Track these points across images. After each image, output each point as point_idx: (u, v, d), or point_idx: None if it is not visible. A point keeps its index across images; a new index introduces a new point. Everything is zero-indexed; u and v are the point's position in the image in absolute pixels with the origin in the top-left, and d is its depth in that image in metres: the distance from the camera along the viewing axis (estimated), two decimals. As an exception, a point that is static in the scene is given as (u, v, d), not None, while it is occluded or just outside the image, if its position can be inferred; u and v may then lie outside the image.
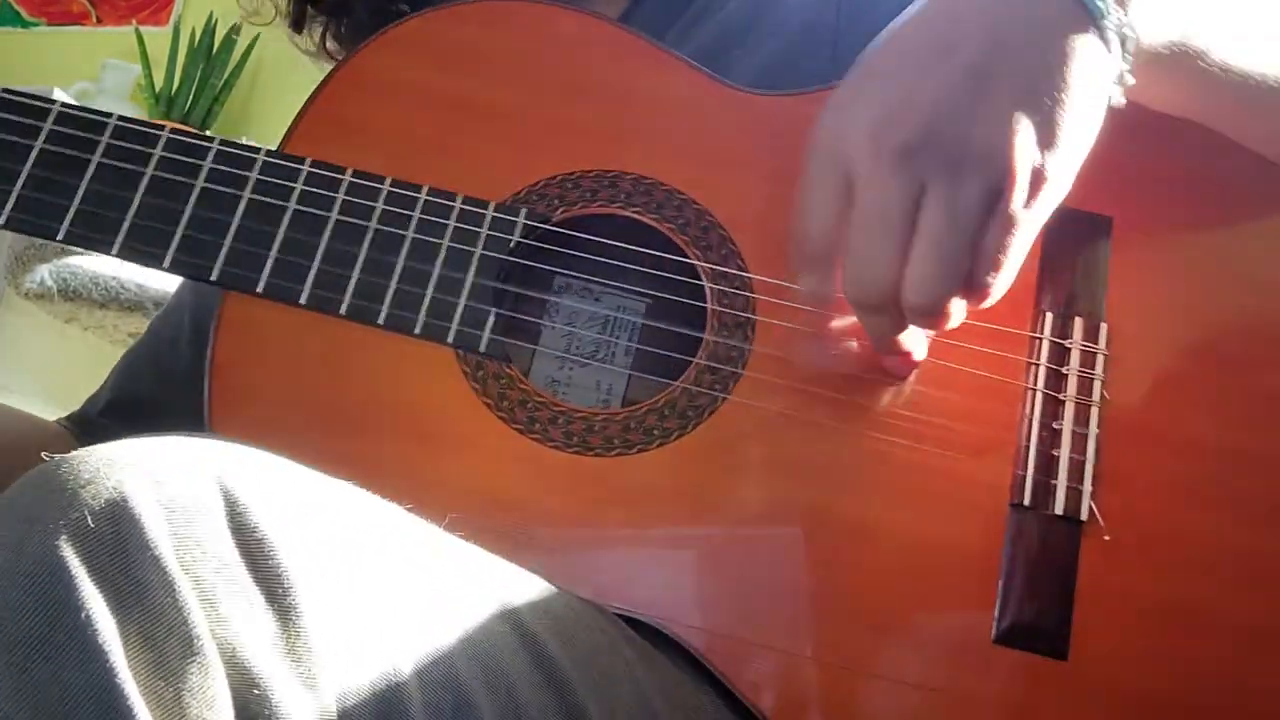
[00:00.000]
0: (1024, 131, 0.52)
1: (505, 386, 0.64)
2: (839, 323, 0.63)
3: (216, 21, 2.40)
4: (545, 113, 0.69)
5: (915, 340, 0.61)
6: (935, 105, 0.53)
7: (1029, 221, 0.54)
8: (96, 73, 2.47)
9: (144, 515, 0.40)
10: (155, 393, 0.87)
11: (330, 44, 0.93)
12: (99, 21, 2.72)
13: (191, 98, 2.36)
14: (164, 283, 1.79)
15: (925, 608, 0.62)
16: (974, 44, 0.53)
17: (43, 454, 0.45)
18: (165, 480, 0.41)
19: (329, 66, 0.93)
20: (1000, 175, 0.52)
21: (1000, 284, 0.55)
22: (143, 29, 2.51)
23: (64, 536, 0.38)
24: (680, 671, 0.61)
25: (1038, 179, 0.53)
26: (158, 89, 2.39)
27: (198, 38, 2.41)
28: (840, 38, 0.77)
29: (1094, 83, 0.54)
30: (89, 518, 0.39)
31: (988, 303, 0.56)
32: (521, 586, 0.55)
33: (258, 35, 2.36)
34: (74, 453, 0.42)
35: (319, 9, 0.92)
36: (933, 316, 0.55)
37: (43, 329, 1.90)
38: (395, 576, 0.49)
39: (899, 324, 0.58)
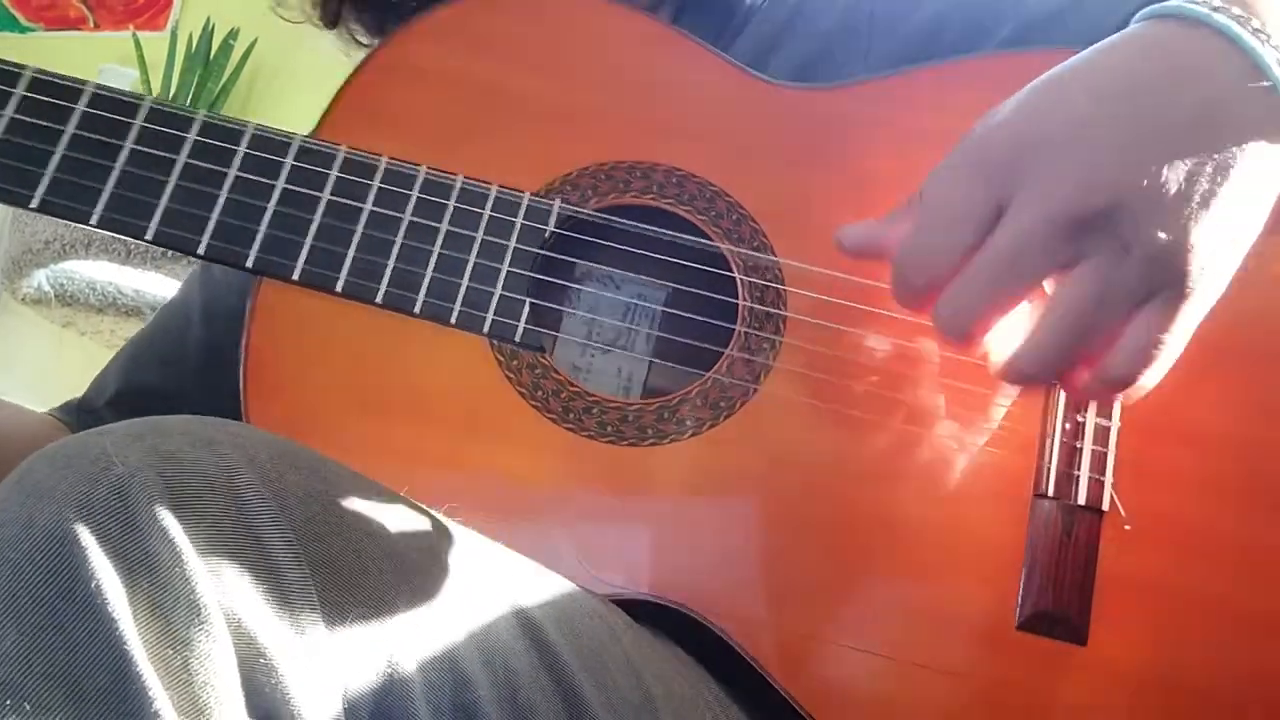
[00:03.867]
0: (1209, 242, 0.47)
1: (539, 376, 0.62)
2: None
3: (214, 26, 2.35)
4: (578, 103, 0.67)
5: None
6: (1135, 188, 0.47)
7: (1188, 331, 0.49)
8: (94, 77, 2.41)
9: (151, 488, 0.39)
10: (164, 383, 0.84)
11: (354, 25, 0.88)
12: (96, 26, 2.66)
13: (189, 103, 2.31)
14: (161, 288, 1.75)
15: (950, 594, 0.60)
16: (1184, 133, 0.47)
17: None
18: (171, 454, 0.41)
19: (344, 70, 0.90)
20: (1178, 281, 0.47)
21: (1151, 380, 0.49)
22: (140, 34, 2.45)
23: (73, 509, 0.38)
24: (678, 658, 0.59)
25: (1199, 285, 0.48)
26: (155, 94, 2.34)
27: (195, 43, 2.35)
28: (872, 44, 0.75)
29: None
30: (97, 491, 0.38)
31: (1135, 396, 0.50)
32: (521, 573, 0.54)
33: (255, 40, 2.31)
34: (81, 432, 0.42)
35: None
36: (1033, 385, 0.51)
37: (40, 333, 1.84)
38: (396, 558, 0.47)
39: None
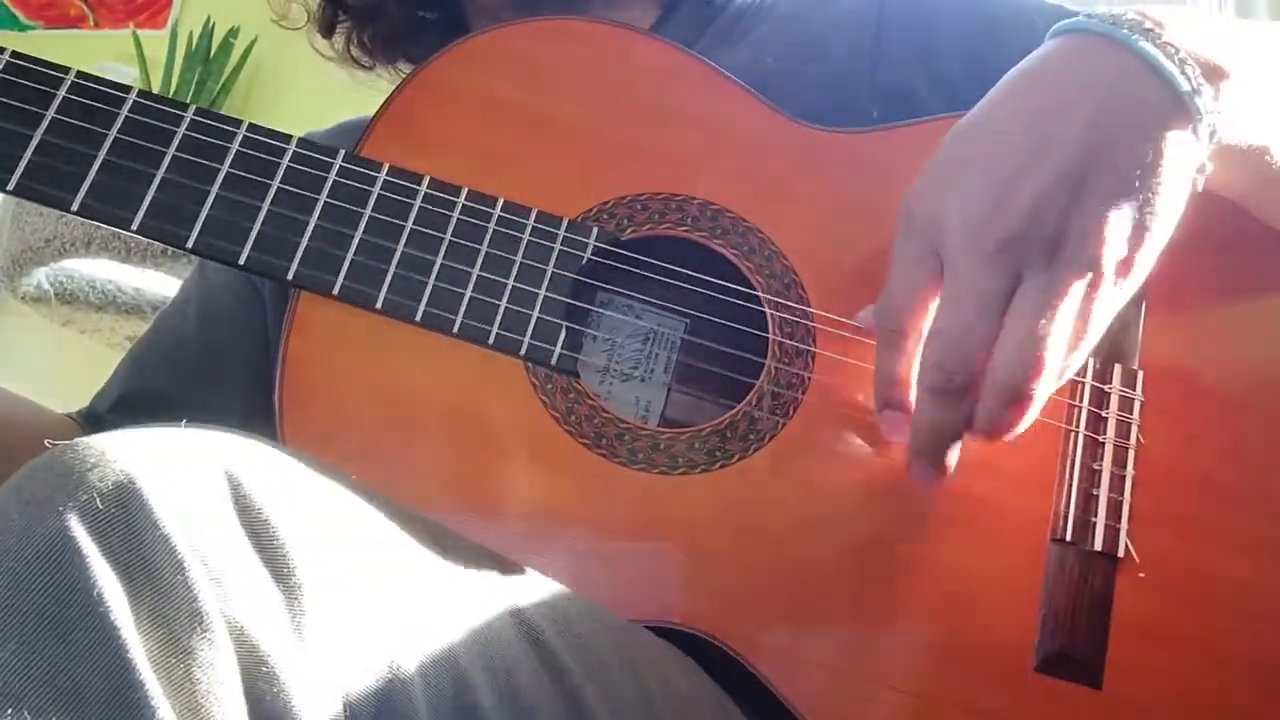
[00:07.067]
0: (1117, 229, 0.52)
1: (573, 401, 0.61)
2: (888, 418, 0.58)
3: (214, 25, 2.31)
4: (616, 134, 0.66)
5: (955, 452, 0.57)
6: (1035, 204, 0.51)
7: (1110, 310, 0.54)
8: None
9: (151, 496, 0.38)
10: (164, 387, 0.82)
11: (355, 50, 0.89)
12: (96, 25, 2.60)
13: (189, 101, 2.26)
14: (161, 286, 1.71)
15: (972, 634, 0.59)
16: (1074, 140, 0.52)
17: (45, 441, 0.41)
18: (171, 462, 0.40)
19: (345, 71, 0.90)
20: (1093, 270, 0.52)
21: (1075, 364, 0.54)
22: (140, 32, 2.40)
23: (73, 517, 0.37)
24: (677, 657, 0.58)
25: (1124, 271, 0.53)
26: (155, 92, 2.30)
27: (195, 41, 2.31)
28: (878, 67, 0.74)
29: (1185, 175, 0.54)
30: (97, 499, 0.37)
31: (1060, 381, 0.54)
32: (521, 579, 0.53)
33: (255, 39, 2.27)
34: (79, 439, 0.40)
35: (349, 15, 0.88)
36: (1019, 398, 0.53)
37: (40, 332, 1.80)
38: (397, 564, 0.47)
39: (960, 421, 0.55)
